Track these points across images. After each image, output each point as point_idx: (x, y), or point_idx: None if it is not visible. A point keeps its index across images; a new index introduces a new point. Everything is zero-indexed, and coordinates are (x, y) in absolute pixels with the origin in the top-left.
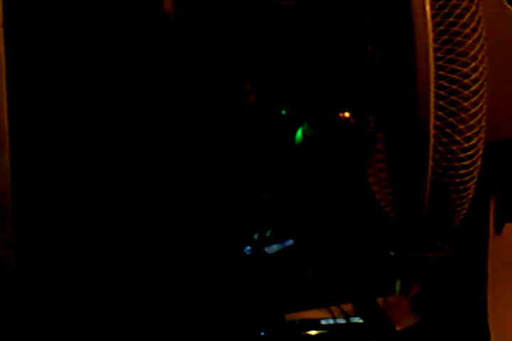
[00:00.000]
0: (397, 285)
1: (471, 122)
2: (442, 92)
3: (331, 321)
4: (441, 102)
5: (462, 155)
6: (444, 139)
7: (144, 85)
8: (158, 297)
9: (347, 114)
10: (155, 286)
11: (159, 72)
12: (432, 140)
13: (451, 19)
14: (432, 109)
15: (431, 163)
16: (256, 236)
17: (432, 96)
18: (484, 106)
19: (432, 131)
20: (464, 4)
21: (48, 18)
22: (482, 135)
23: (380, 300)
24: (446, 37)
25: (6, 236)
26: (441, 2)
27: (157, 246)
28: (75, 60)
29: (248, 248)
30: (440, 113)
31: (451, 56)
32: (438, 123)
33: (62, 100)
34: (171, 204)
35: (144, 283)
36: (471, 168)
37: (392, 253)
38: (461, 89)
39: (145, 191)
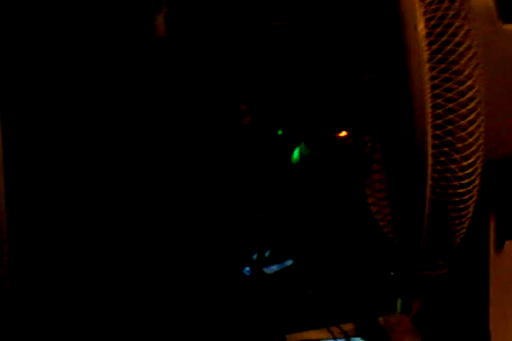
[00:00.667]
0: (398, 304)
1: (469, 140)
2: (439, 111)
3: None
4: (438, 121)
5: (461, 173)
6: (442, 158)
7: (138, 108)
8: (155, 318)
9: (344, 134)
10: (153, 307)
11: (153, 94)
12: (430, 159)
13: (445, 38)
14: (429, 129)
15: (429, 182)
16: (255, 256)
17: (428, 115)
18: (482, 124)
19: (430, 150)
20: (458, 23)
21: (42, 43)
22: (480, 153)
23: (381, 320)
24: (440, 56)
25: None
26: (434, 21)
27: (155, 267)
28: (68, 83)
29: (247, 268)
30: (438, 132)
31: (446, 75)
32: (436, 142)
33: (53, 120)
34: (168, 225)
35: (142, 302)
36: (470, 187)
37: (392, 273)
38: (458, 108)
39: (140, 212)
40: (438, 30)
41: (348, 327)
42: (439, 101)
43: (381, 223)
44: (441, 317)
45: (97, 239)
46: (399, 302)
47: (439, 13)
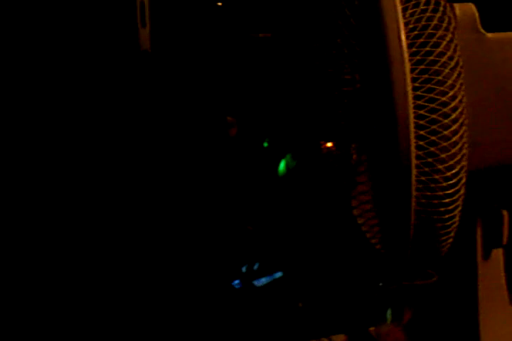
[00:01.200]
0: (389, 314)
1: (453, 151)
2: (422, 122)
3: None
4: (421, 132)
5: (445, 184)
6: (426, 169)
7: (123, 121)
8: (143, 332)
9: (329, 145)
10: (139, 320)
11: (138, 109)
12: (413, 170)
13: (428, 48)
14: (412, 139)
15: (414, 193)
16: (244, 269)
17: (411, 126)
18: (465, 134)
19: (414, 161)
20: (440, 33)
21: (24, 56)
22: (464, 163)
23: (372, 330)
24: (423, 66)
25: None
26: (416, 32)
27: (143, 279)
28: (51, 96)
29: (236, 281)
30: (421, 143)
31: (429, 85)
32: (419, 153)
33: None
34: (156, 237)
35: (132, 317)
36: (455, 197)
37: (380, 284)
38: (441, 118)
39: (126, 224)
40: (420, 40)
41: (340, 338)
42: (422, 112)
43: (368, 234)
44: (432, 326)
45: (84, 248)
46: (389, 312)
47: (422, 23)
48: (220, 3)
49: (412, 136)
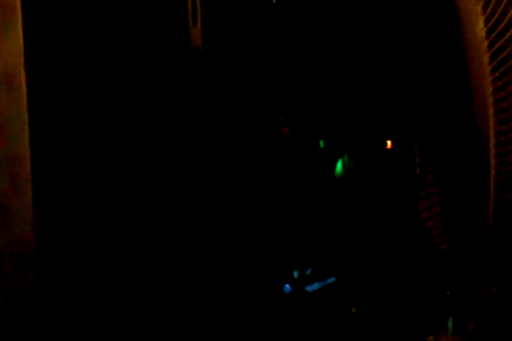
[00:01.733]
0: (450, 324)
1: None
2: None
3: None
4: (502, 138)
5: None
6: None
7: (175, 121)
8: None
9: (388, 144)
10: (186, 326)
11: (190, 107)
12: (492, 183)
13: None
14: (492, 148)
15: (493, 202)
16: (296, 274)
17: (492, 134)
18: None
19: (492, 171)
20: None
21: (85, 53)
22: None
23: (430, 340)
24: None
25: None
26: (496, 47)
27: (188, 282)
28: (103, 97)
29: (288, 286)
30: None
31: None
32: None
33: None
34: (205, 242)
35: (176, 320)
36: None
37: (448, 293)
38: None
39: (174, 231)
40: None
41: None
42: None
43: (438, 239)
44: (497, 339)
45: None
46: (450, 321)
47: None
48: (274, 1)
49: (492, 144)
